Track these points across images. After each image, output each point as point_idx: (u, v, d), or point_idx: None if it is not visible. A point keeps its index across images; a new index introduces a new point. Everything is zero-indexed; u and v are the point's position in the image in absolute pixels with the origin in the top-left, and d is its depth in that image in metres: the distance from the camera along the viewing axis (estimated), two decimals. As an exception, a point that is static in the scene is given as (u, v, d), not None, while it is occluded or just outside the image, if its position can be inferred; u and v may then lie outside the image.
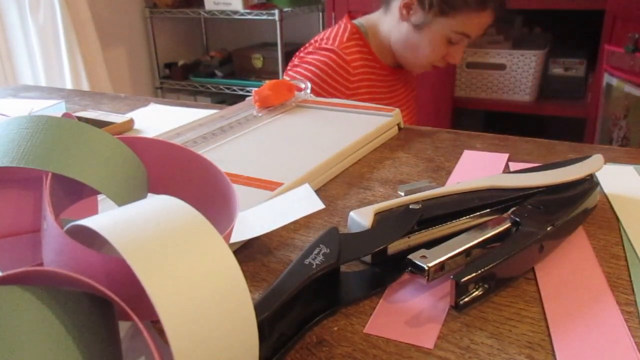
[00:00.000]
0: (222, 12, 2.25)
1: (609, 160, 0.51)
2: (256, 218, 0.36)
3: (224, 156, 0.51)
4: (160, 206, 0.21)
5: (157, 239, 0.19)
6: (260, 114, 0.64)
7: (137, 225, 0.19)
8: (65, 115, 0.29)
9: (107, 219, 0.20)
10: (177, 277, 0.18)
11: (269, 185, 0.43)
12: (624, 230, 0.37)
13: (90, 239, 0.20)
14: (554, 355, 0.26)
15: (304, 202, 0.35)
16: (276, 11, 2.13)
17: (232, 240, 0.35)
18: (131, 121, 0.66)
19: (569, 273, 0.33)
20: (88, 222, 0.19)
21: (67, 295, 0.19)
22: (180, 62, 2.51)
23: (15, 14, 1.88)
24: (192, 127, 0.59)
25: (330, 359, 0.27)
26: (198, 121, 0.61)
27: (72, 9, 1.94)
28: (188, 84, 2.46)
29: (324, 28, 2.38)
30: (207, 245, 0.20)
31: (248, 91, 2.31)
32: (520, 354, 0.26)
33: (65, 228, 0.21)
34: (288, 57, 2.29)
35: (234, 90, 2.39)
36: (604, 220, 0.39)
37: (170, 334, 0.17)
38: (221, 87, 2.41)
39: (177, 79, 2.49)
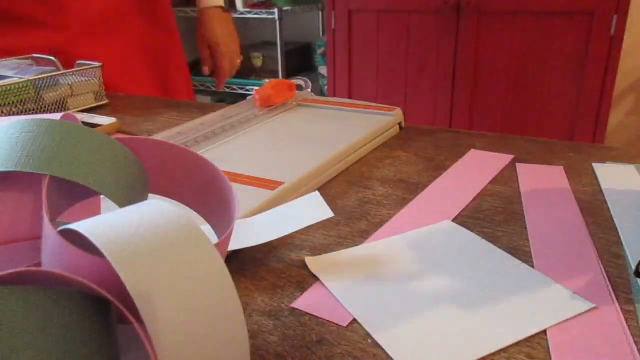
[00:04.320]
0: (222, 10, 2.24)
1: (609, 159, 0.51)
2: (266, 224, 0.36)
3: (225, 155, 0.51)
4: (149, 210, 0.21)
5: (142, 241, 0.19)
6: (261, 113, 0.64)
7: (123, 228, 0.19)
8: (66, 116, 0.29)
9: (95, 222, 0.20)
10: (160, 277, 0.18)
11: (270, 185, 0.43)
12: (621, 231, 0.38)
13: (88, 242, 0.20)
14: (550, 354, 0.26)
15: (313, 210, 0.35)
16: (276, 10, 2.13)
17: (242, 246, 0.35)
18: (117, 123, 0.66)
19: (567, 271, 0.33)
20: (76, 225, 0.19)
21: (65, 296, 0.19)
22: (181, 61, 2.50)
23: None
24: (193, 126, 0.59)
25: (330, 358, 0.27)
26: (199, 120, 0.61)
27: (72, 8, 1.94)
28: (188, 83, 2.46)
29: (324, 27, 2.39)
30: (194, 249, 0.20)
31: (248, 90, 2.32)
32: (520, 353, 0.26)
33: (59, 229, 0.21)
34: (288, 56, 2.29)
35: (234, 89, 2.39)
36: (603, 220, 0.39)
37: (154, 336, 0.17)
38: (221, 85, 2.41)
39: (177, 77, 2.48)
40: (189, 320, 0.18)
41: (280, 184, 0.43)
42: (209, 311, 0.19)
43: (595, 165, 0.49)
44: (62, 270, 0.19)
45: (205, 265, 0.19)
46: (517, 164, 0.50)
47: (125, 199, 0.26)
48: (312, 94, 0.72)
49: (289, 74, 2.27)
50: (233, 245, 0.35)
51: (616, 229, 0.38)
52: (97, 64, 0.78)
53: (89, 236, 0.19)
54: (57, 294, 0.19)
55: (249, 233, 0.36)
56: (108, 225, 0.20)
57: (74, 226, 0.19)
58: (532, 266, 0.34)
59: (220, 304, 0.19)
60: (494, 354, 0.26)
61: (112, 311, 0.20)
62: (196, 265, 0.19)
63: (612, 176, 0.46)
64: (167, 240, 0.19)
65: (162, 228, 0.20)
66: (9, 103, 0.68)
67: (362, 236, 0.38)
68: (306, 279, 0.33)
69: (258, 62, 2.40)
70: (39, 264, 0.23)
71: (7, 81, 0.69)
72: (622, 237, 0.37)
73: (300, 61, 2.45)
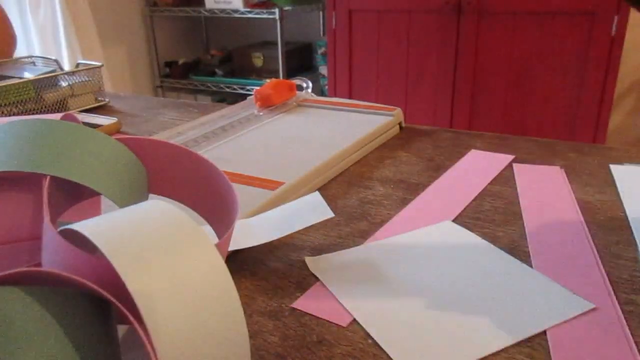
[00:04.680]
0: (222, 10, 2.25)
1: (610, 159, 0.51)
2: (266, 224, 0.36)
3: (225, 155, 0.51)
4: (149, 210, 0.21)
5: (142, 241, 0.19)
6: (261, 113, 0.64)
7: (123, 228, 0.19)
8: (67, 116, 0.29)
9: (95, 222, 0.20)
10: (160, 277, 0.18)
11: (270, 185, 0.43)
12: (636, 231, 0.37)
13: (88, 242, 0.20)
14: (548, 354, 0.26)
15: (313, 210, 0.35)
16: (276, 10, 2.13)
17: (242, 246, 0.35)
18: (118, 123, 0.65)
19: (567, 271, 0.33)
20: (77, 225, 0.19)
21: (65, 296, 0.19)
22: (181, 61, 2.51)
23: (15, 12, 1.88)
24: (193, 126, 0.59)
25: (330, 358, 0.27)
26: (199, 120, 0.61)
27: (72, 8, 1.94)
28: (188, 83, 2.46)
29: (324, 27, 2.39)
30: (194, 249, 0.20)
31: (248, 90, 2.32)
32: (520, 353, 0.26)
33: (59, 229, 0.21)
34: (288, 55, 2.29)
35: (234, 89, 2.39)
36: (605, 220, 0.39)
37: (154, 336, 0.17)
38: (221, 85, 2.41)
39: (177, 77, 2.49)
40: (189, 320, 0.18)
41: (280, 184, 0.43)
42: (209, 311, 0.19)
43: (612, 166, 0.49)
44: (62, 270, 0.19)
45: (205, 265, 0.19)
46: (514, 164, 0.50)
47: (125, 199, 0.26)
48: (312, 94, 0.72)
49: (289, 74, 2.27)
50: (233, 245, 0.35)
51: (617, 228, 0.38)
52: (98, 63, 0.78)
53: (89, 236, 0.19)
54: (57, 293, 0.19)
55: (249, 233, 0.36)
56: (108, 225, 0.20)
57: (74, 226, 0.19)
58: (531, 266, 0.34)
59: (220, 304, 0.19)
60: (494, 354, 0.26)
61: (112, 311, 0.20)
62: (196, 265, 0.19)
63: (626, 177, 0.46)
64: (167, 240, 0.20)
65: (162, 228, 0.20)
66: (9, 103, 0.68)
67: (362, 236, 0.38)
68: (306, 279, 0.33)
69: (258, 62, 2.40)
70: (39, 264, 0.23)
71: (7, 81, 0.69)
72: (636, 240, 0.36)
73: (300, 61, 2.45)
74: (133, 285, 0.18)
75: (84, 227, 0.19)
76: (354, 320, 0.29)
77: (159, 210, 0.21)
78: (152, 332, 0.17)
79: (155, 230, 0.20)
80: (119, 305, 0.18)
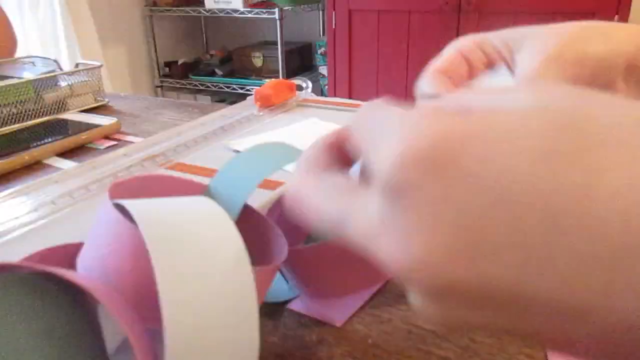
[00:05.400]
0: (222, 10, 2.25)
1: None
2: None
3: (225, 155, 0.51)
4: (192, 204, 0.22)
5: (180, 231, 0.20)
6: (261, 113, 0.64)
7: (166, 216, 0.20)
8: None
9: (144, 206, 0.21)
10: (187, 267, 0.19)
11: (270, 185, 0.43)
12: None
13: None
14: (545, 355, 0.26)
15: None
16: (276, 10, 2.13)
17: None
18: (118, 123, 0.65)
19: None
20: (126, 202, 0.21)
21: (45, 288, 0.19)
22: (181, 61, 2.51)
23: (14, 12, 1.88)
24: (193, 126, 0.59)
25: (330, 358, 0.27)
26: (199, 120, 0.61)
27: (71, 7, 1.94)
28: (188, 83, 2.46)
29: (324, 27, 2.39)
30: (225, 245, 0.20)
31: (248, 90, 2.32)
32: (520, 354, 0.26)
33: (113, 202, 0.22)
34: (288, 55, 2.29)
35: (234, 89, 2.39)
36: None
37: (167, 317, 0.17)
38: (221, 85, 2.41)
39: (177, 77, 2.49)
40: (205, 323, 0.18)
41: (280, 183, 0.43)
42: (227, 324, 0.19)
43: None
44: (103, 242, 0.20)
45: (236, 278, 0.20)
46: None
47: None
48: (312, 94, 0.72)
49: (289, 74, 2.27)
50: None
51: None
52: (97, 63, 0.78)
53: (133, 213, 0.20)
54: (38, 287, 0.19)
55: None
56: (153, 210, 0.21)
57: (124, 202, 0.21)
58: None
59: (238, 319, 0.20)
60: (494, 355, 0.26)
61: (93, 305, 0.21)
62: (227, 274, 0.20)
63: None
64: (200, 231, 0.20)
65: (199, 219, 0.21)
66: (8, 103, 0.68)
67: (362, 236, 0.38)
68: (306, 279, 0.33)
69: (258, 62, 2.40)
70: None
71: (7, 81, 0.69)
72: None
73: (300, 61, 2.45)
74: (162, 275, 0.18)
75: (133, 206, 0.20)
76: (352, 320, 0.29)
77: (201, 205, 0.22)
78: (166, 322, 0.17)
79: (193, 223, 0.21)
80: (112, 306, 0.19)
